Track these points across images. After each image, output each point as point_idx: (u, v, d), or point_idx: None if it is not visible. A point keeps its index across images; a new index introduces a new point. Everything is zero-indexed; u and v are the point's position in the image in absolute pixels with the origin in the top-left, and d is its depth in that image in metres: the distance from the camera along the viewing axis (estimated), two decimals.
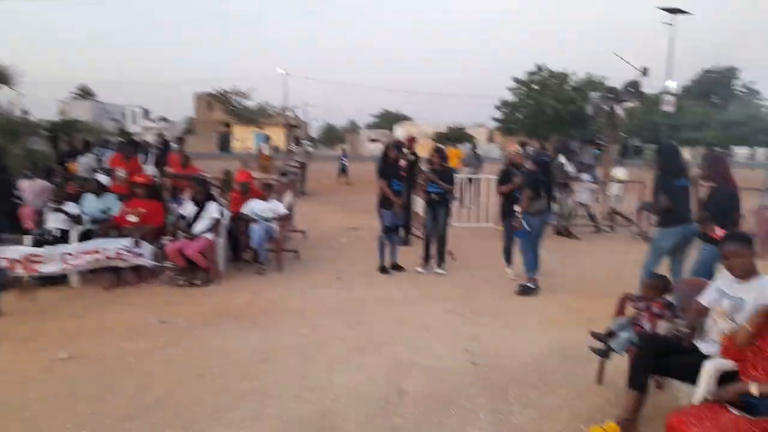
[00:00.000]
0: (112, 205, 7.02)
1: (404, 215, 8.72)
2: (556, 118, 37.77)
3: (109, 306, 5.59)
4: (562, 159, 10.78)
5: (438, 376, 3.96)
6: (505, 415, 3.40)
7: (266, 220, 7.19)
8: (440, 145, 7.62)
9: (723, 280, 3.14)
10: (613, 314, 3.90)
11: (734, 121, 48.86)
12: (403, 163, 7.50)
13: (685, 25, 37.25)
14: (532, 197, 6.14)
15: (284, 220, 7.78)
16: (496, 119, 43.85)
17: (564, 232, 10.47)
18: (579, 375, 4.02)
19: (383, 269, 7.15)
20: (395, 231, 7.31)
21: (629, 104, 13.51)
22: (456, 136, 48.36)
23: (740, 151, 52.73)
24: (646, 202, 5.32)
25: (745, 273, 2.98)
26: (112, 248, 6.09)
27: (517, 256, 6.59)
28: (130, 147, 9.60)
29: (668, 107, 25.25)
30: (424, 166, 8.89)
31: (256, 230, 7.02)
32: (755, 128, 48.49)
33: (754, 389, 2.39)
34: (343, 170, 21.50)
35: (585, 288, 6.50)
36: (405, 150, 9.25)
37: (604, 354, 3.64)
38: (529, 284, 6.23)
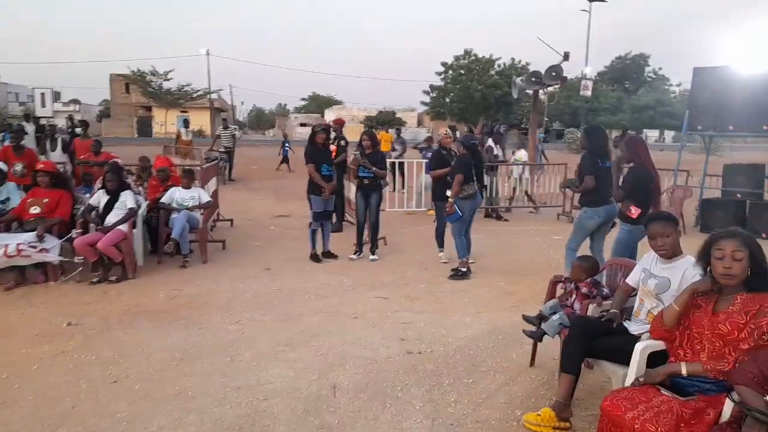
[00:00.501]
0: (11, 195, 6.36)
1: (336, 201, 8.53)
2: (483, 103, 38.53)
3: (10, 308, 5.05)
4: (490, 142, 10.93)
5: (373, 368, 3.84)
6: (441, 405, 3.33)
7: (188, 208, 6.77)
8: (371, 129, 7.44)
9: (649, 260, 3.19)
10: (544, 297, 3.93)
11: (644, 105, 51.92)
12: (332, 146, 7.29)
13: (601, 13, 38.91)
14: (463, 182, 6.12)
15: (208, 208, 7.37)
16: (425, 103, 44.16)
17: (493, 215, 10.66)
18: (513, 359, 4.03)
19: (315, 257, 6.94)
20: (327, 217, 7.10)
21: (552, 88, 13.90)
22: (386, 120, 48.44)
23: (650, 134, 56.24)
24: (571, 180, 5.39)
25: (671, 252, 3.04)
26: (12, 244, 5.49)
27: (450, 240, 6.57)
28: (21, 134, 8.66)
29: (586, 92, 26.30)
30: (354, 150, 8.73)
31: (177, 220, 6.59)
32: (663, 112, 51.77)
33: (683, 370, 2.42)
34: (286, 159, 20.37)
35: (515, 270, 6.60)
36: (334, 133, 9.05)
37: (537, 337, 3.65)
38: (461, 268, 6.23)
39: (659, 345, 2.69)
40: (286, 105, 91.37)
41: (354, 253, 7.10)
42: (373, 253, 7.06)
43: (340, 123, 9.37)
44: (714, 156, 20.34)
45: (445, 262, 6.86)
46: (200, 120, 48.33)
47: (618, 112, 52.62)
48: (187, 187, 6.96)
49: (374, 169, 6.83)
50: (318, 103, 71.51)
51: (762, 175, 9.62)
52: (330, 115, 49.66)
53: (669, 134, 55.35)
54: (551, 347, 3.85)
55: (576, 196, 7.08)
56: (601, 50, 58.44)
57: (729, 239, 2.44)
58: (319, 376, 3.70)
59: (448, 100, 40.13)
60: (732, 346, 2.35)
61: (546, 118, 27.38)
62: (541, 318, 3.67)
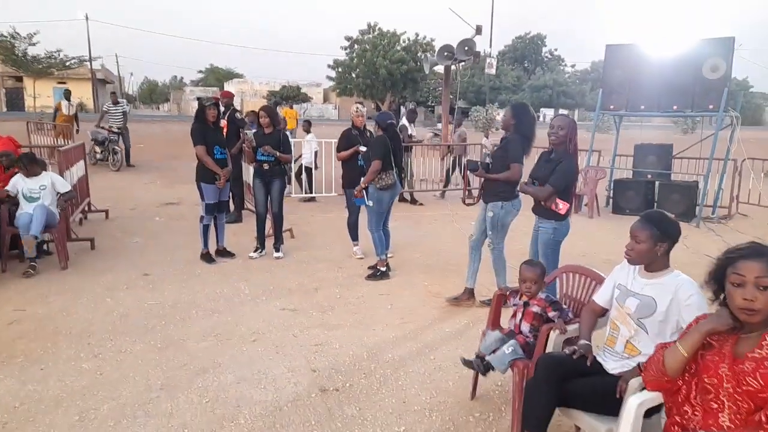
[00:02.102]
0: None
1: (234, 187, 7.42)
2: (389, 79, 37.85)
3: None
4: (404, 121, 10.22)
5: (275, 419, 2.95)
6: None
7: (40, 200, 5.40)
8: (268, 104, 6.34)
9: (623, 273, 2.55)
10: (487, 318, 3.21)
11: (543, 85, 54.02)
12: (223, 123, 6.17)
13: None
14: (381, 169, 5.29)
15: (71, 199, 6.00)
16: (330, 78, 42.72)
17: (408, 199, 10.01)
18: (449, 389, 3.31)
19: (207, 258, 5.85)
20: (221, 210, 6.01)
21: (465, 64, 13.42)
22: (291, 95, 46.47)
23: (548, 113, 58.84)
24: (484, 164, 4.55)
25: (655, 264, 2.41)
26: None
27: (365, 232, 5.76)
28: None
29: (491, 70, 26.45)
30: (246, 129, 7.63)
31: (24, 216, 5.22)
32: (559, 92, 54.19)
33: None
34: None
35: (438, 265, 5.94)
36: (230, 108, 7.87)
37: (481, 371, 2.93)
38: (380, 268, 5.45)
39: (657, 398, 2.05)
40: (182, 78, 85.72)
41: (255, 251, 6.09)
42: (277, 250, 6.09)
43: (227, 96, 8.11)
44: (608, 134, 21.22)
45: (360, 258, 6.06)
46: (80, 92, 43.47)
47: (519, 91, 54.36)
48: (33, 175, 5.52)
49: (277, 153, 5.80)
50: (217, 76, 67.52)
51: (670, 155, 9.71)
52: (230, 89, 46.82)
53: (565, 113, 58.06)
54: (499, 376, 3.16)
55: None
56: (502, 30, 59.57)
57: (752, 260, 1.81)
58: None
59: (354, 75, 38.98)
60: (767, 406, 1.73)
61: (451, 96, 27.28)
62: (481, 359, 2.92)
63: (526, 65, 61.65)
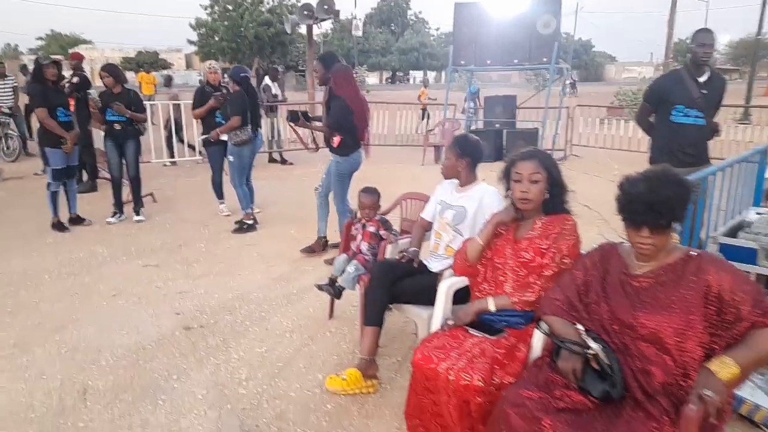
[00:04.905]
0: None
1: (85, 156, 7.01)
2: (257, 43, 36.62)
3: None
4: (267, 80, 10.16)
5: (140, 357, 3.06)
6: (231, 388, 2.76)
7: None
8: (111, 63, 5.99)
9: (444, 191, 2.98)
10: (340, 247, 3.53)
11: (410, 47, 55.46)
12: (65, 83, 5.81)
13: None
14: (238, 125, 5.34)
15: None
16: (192, 42, 40.30)
17: (278, 159, 10.06)
18: (310, 314, 3.62)
19: (59, 226, 5.57)
20: (70, 175, 5.70)
21: (327, 24, 13.48)
22: (149, 61, 43.21)
23: (416, 74, 60.70)
24: (292, 112, 4.59)
25: (464, 179, 2.85)
26: None
27: (231, 191, 5.81)
28: None
29: (357, 32, 26.64)
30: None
31: None
32: (425, 54, 56.03)
33: (491, 306, 2.24)
34: None
35: (304, 217, 6.14)
36: (72, 71, 7.35)
37: (335, 294, 3.27)
38: (246, 221, 5.57)
39: (463, 281, 2.49)
40: (16, 46, 75.55)
41: (113, 216, 5.89)
42: (137, 213, 5.95)
43: (77, 58, 7.58)
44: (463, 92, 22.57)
45: (227, 215, 6.12)
46: None
47: (387, 54, 55.30)
48: None
49: (128, 112, 5.58)
50: (60, 44, 60.44)
51: (514, 105, 10.71)
52: None
53: (432, 74, 60.21)
54: (350, 294, 3.51)
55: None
56: None
57: (527, 161, 2.27)
58: (63, 383, 2.81)
59: (217, 38, 37.14)
60: (536, 273, 2.21)
61: None
62: (333, 282, 3.27)
63: (393, 28, 62.61)
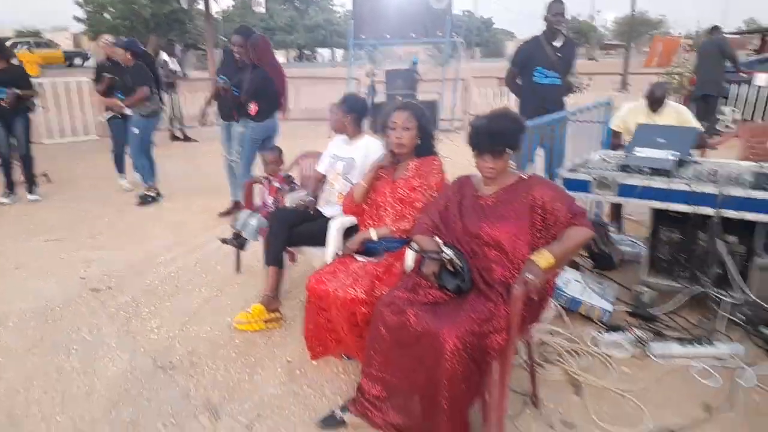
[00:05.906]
0: None
1: None
2: (153, 20, 34.72)
3: None
4: (164, 56, 9.90)
5: (48, 317, 3.16)
6: (142, 335, 2.95)
7: None
8: None
9: (335, 145, 3.29)
10: (244, 203, 3.76)
11: (316, 25, 54.79)
12: None
13: None
14: (147, 95, 5.34)
15: None
16: (79, 19, 37.46)
17: (180, 136, 9.90)
18: (218, 271, 3.84)
19: None
20: None
21: (227, 0, 13.19)
22: (32, 41, 39.58)
23: (323, 52, 60.22)
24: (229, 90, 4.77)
25: (351, 133, 3.18)
26: None
27: (130, 166, 5.79)
28: None
29: (259, 8, 26.07)
30: None
31: None
32: (332, 31, 55.59)
33: (373, 235, 2.60)
34: None
35: (208, 187, 6.24)
36: None
37: (238, 245, 3.52)
38: (149, 194, 5.60)
39: (351, 220, 2.84)
40: None
41: (4, 196, 5.68)
42: (31, 192, 5.77)
43: None
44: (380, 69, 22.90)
45: (129, 190, 6.08)
46: None
47: (293, 31, 54.32)
48: None
49: (16, 90, 5.35)
50: None
51: (413, 77, 11.17)
52: None
53: (339, 52, 59.93)
54: (258, 250, 3.75)
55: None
56: None
57: (400, 111, 2.63)
58: None
59: (108, 15, 34.81)
60: (410, 206, 2.60)
61: (223, 38, 26.34)
62: (237, 236, 3.51)
63: (297, 5, 61.37)
